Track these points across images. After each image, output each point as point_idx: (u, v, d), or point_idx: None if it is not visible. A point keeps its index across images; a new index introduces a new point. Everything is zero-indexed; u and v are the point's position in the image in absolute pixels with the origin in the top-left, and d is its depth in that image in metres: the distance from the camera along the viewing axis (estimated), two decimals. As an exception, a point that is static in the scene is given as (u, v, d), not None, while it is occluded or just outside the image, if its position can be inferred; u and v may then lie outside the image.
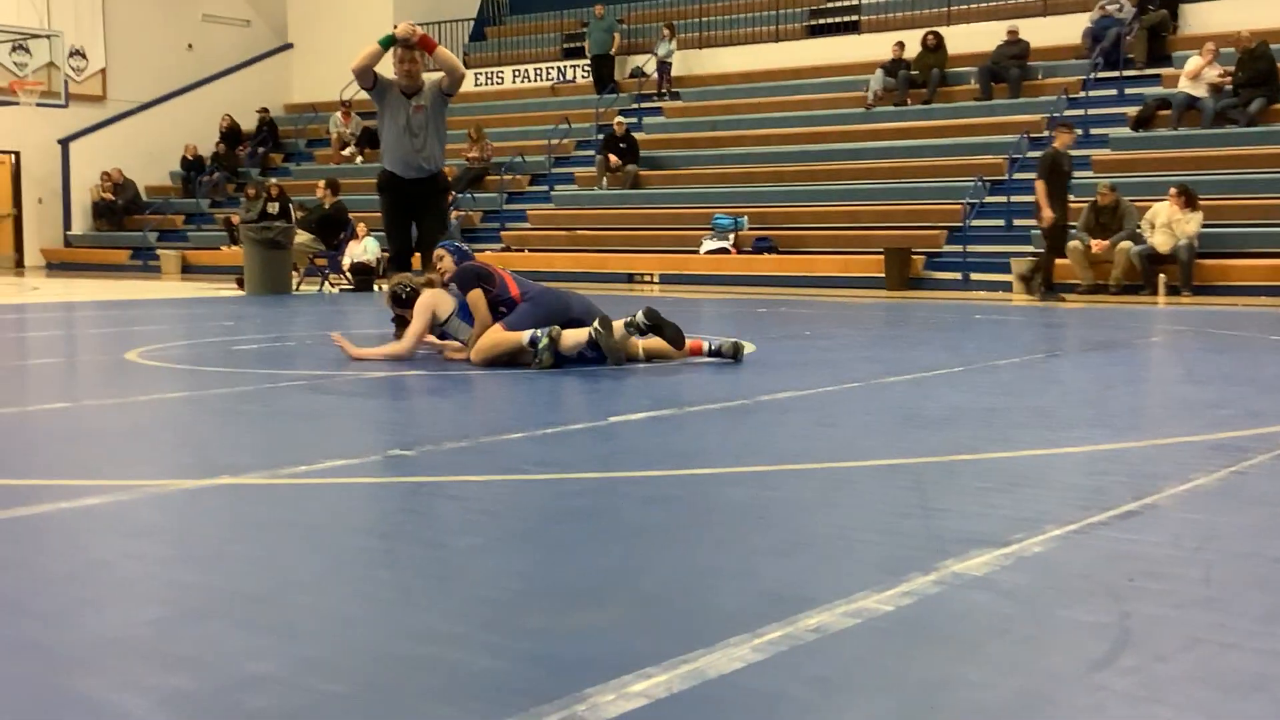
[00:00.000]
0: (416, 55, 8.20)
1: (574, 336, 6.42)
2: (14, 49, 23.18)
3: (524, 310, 6.56)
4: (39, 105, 22.69)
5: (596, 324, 6.35)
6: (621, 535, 3.03)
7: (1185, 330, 9.78)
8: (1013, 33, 19.57)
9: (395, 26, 8.19)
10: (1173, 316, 11.48)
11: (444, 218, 8.90)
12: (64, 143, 25.68)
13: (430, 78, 8.33)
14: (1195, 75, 17.09)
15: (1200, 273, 14.36)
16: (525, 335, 6.43)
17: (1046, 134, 17.97)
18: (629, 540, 2.98)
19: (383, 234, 19.84)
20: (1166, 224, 14.41)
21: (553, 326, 6.40)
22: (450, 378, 6.31)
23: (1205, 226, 14.46)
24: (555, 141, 22.40)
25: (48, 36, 23.06)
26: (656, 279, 18.34)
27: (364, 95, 27.42)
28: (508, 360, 6.48)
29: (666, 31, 23.08)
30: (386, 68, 8.32)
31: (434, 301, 6.97)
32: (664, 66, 23.08)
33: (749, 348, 7.81)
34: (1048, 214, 14.05)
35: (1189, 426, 4.77)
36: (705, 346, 6.72)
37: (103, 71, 26.41)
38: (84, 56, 25.97)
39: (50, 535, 3.06)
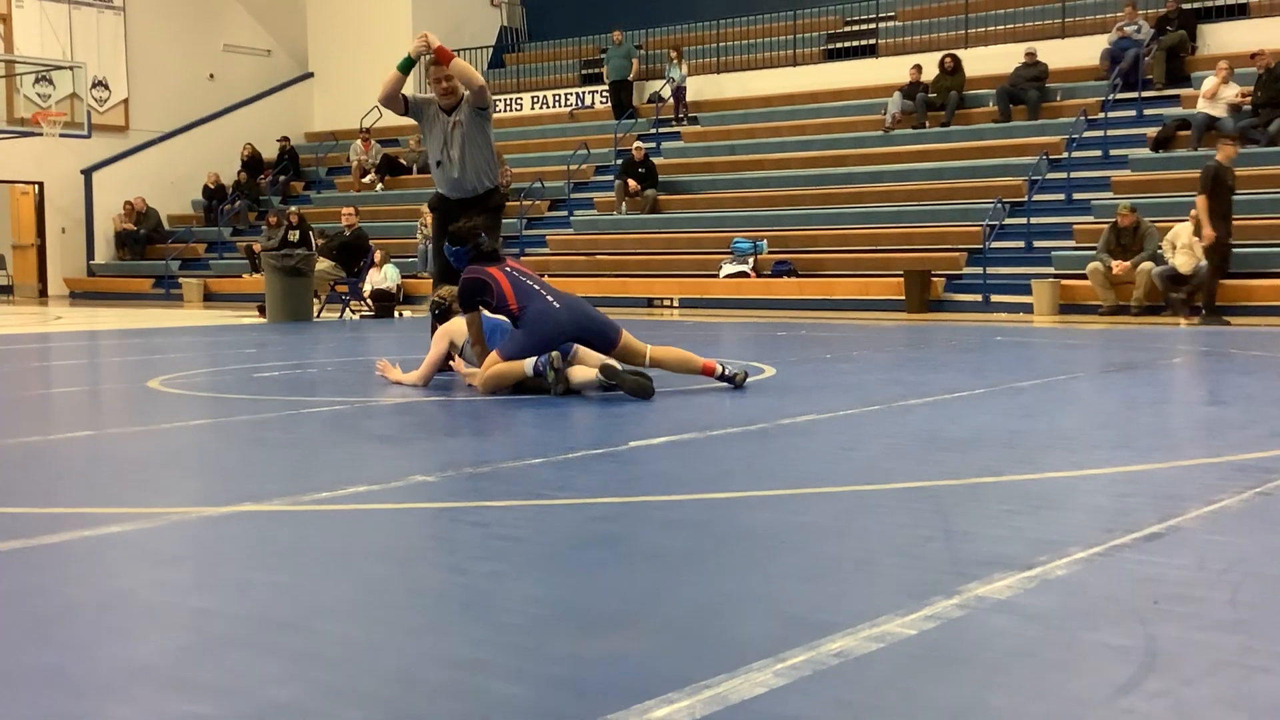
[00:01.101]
0: (455, 75, 7.77)
1: (583, 374, 6.30)
2: (37, 80, 23.44)
3: (518, 338, 6.41)
4: (62, 136, 22.89)
5: (600, 373, 6.19)
6: (644, 560, 3.03)
7: (1207, 351, 9.74)
8: (1030, 54, 19.59)
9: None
10: (1194, 337, 11.43)
11: (495, 236, 7.83)
12: (87, 173, 25.89)
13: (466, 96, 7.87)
14: (1212, 95, 17.07)
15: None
16: (528, 365, 6.31)
17: (1066, 155, 17.99)
18: (651, 565, 2.97)
19: (403, 261, 19.91)
20: (1187, 245, 14.35)
21: (553, 355, 6.26)
22: (471, 404, 6.32)
23: (1227, 247, 14.39)
24: (574, 167, 22.48)
25: (70, 68, 23.29)
26: (676, 303, 18.36)
27: (385, 123, 27.44)
28: (515, 387, 6.46)
29: (674, 55, 23.15)
30: (413, 87, 8.13)
31: (452, 329, 7.01)
32: (679, 91, 23.15)
33: (769, 371, 7.80)
34: (1209, 231, 13.43)
35: (1213, 448, 4.74)
36: (719, 369, 6.64)
37: (125, 102, 26.65)
38: (106, 87, 26.21)
39: (74, 563, 3.08)
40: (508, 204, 21.81)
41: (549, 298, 6.47)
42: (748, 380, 6.72)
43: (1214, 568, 2.86)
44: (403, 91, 7.93)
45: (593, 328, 6.51)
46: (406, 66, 7.82)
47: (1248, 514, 3.48)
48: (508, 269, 6.62)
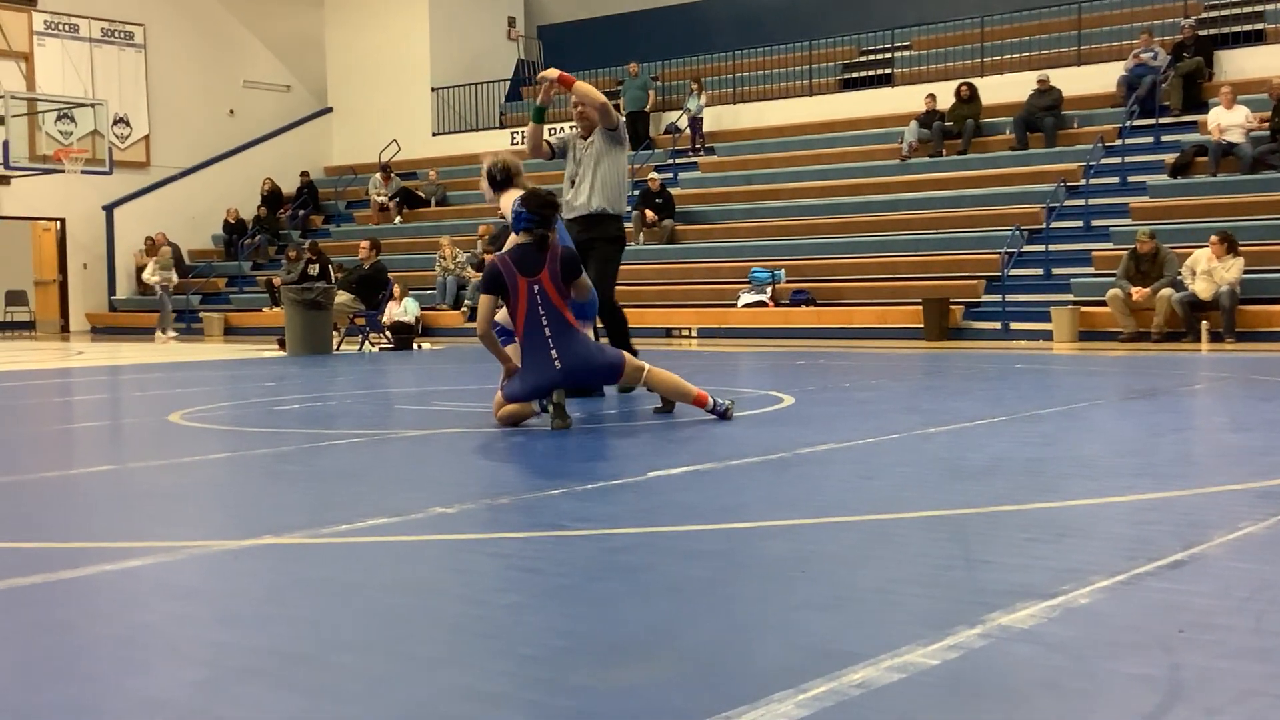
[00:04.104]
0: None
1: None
2: (59, 118, 23.65)
3: (516, 384, 6.46)
4: (84, 173, 23.08)
5: (552, 410, 6.39)
6: (664, 591, 3.02)
7: (1229, 377, 9.68)
8: (1042, 81, 19.58)
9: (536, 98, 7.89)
10: (1216, 363, 11.37)
11: (605, 268, 8.18)
12: (108, 209, 26.09)
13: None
14: (1220, 129, 17.04)
15: (1243, 319, 14.24)
16: (536, 404, 6.52)
17: (1084, 182, 17.97)
18: (671, 596, 2.96)
19: (422, 293, 19.97)
20: (1207, 270, 14.32)
21: (555, 392, 6.38)
22: (490, 435, 6.32)
23: (1247, 272, 14.36)
24: (592, 199, 22.52)
25: (92, 105, 23.50)
26: (694, 333, 18.36)
27: (403, 156, 27.76)
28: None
29: (695, 87, 23.30)
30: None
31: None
32: (696, 122, 23.25)
33: (787, 400, 7.78)
34: None
35: (1236, 474, 4.71)
36: (710, 403, 6.56)
37: (146, 138, 26.87)
38: (128, 124, 26.43)
39: (95, 598, 3.08)
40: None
41: (553, 353, 6.34)
42: (732, 410, 6.63)
43: (1238, 595, 2.83)
44: (545, 139, 8.06)
45: (594, 377, 6.63)
46: (539, 115, 7.95)
47: (1272, 541, 3.45)
48: (538, 292, 6.35)
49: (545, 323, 6.37)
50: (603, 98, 8.03)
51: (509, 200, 7.11)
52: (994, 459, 5.09)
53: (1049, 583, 2.94)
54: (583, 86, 7.96)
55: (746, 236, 20.09)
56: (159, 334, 21.25)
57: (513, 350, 6.68)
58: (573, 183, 8.22)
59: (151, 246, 25.89)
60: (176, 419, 7.46)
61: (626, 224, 22.58)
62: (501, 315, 6.76)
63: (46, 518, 4.30)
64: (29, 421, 8.12)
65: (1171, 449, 5.62)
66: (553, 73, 7.81)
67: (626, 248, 8.64)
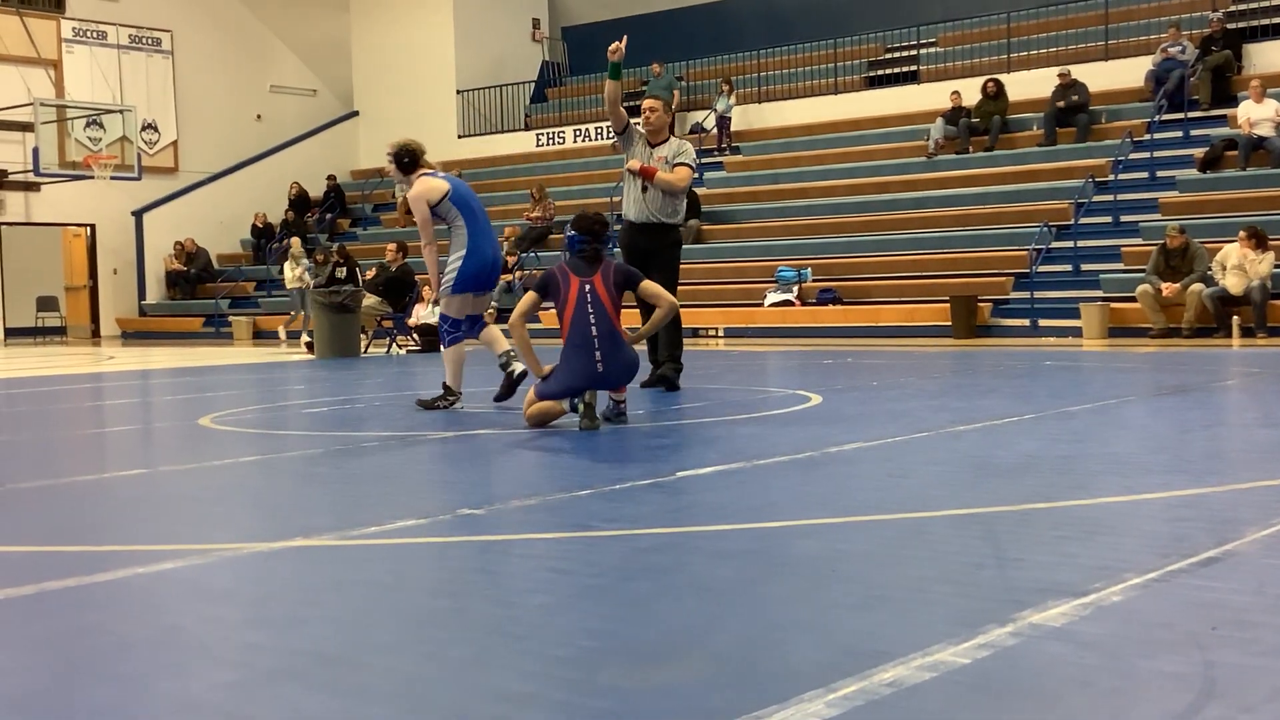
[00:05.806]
0: (658, 105, 8.57)
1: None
2: (88, 124, 23.80)
3: (552, 381, 6.47)
4: (113, 179, 23.23)
5: (582, 409, 6.42)
6: (693, 591, 3.01)
7: (1261, 373, 9.61)
8: (1064, 75, 19.44)
9: (612, 53, 8.15)
10: (1247, 359, 11.28)
11: (672, 271, 8.63)
12: (138, 214, 26.26)
13: (674, 145, 8.54)
14: (1251, 123, 16.91)
15: (1275, 314, 14.12)
16: (567, 404, 6.51)
17: (1112, 178, 17.86)
18: (701, 596, 2.96)
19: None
20: (1238, 265, 14.21)
21: (586, 392, 6.39)
22: (518, 436, 6.33)
23: (1277, 267, 14.24)
24: (617, 199, 22.54)
25: (121, 111, 23.65)
26: (721, 333, 18.34)
27: (428, 159, 27.74)
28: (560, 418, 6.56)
29: (725, 87, 23.29)
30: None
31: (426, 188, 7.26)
32: (724, 121, 23.23)
33: (815, 399, 7.76)
34: None
35: (1269, 470, 4.67)
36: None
37: (174, 144, 27.04)
38: (156, 130, 26.60)
39: (127, 601, 3.10)
40: (551, 236, 22.07)
41: (597, 354, 6.39)
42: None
43: (1273, 592, 2.81)
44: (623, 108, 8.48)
45: (626, 377, 6.63)
46: (615, 72, 8.28)
47: (1307, 537, 3.42)
48: (588, 291, 6.44)
49: (593, 322, 6.42)
50: (684, 183, 8.44)
51: (420, 183, 7.61)
52: (1024, 457, 5.07)
53: (1081, 581, 2.92)
54: (663, 178, 8.35)
55: (773, 235, 20.05)
56: (290, 337, 20.60)
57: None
58: (643, 190, 8.44)
59: (180, 251, 26.11)
60: (207, 422, 7.50)
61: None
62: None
63: (80, 521, 4.33)
64: (62, 426, 8.18)
65: (1203, 445, 5.58)
66: (635, 165, 8.33)
67: None
